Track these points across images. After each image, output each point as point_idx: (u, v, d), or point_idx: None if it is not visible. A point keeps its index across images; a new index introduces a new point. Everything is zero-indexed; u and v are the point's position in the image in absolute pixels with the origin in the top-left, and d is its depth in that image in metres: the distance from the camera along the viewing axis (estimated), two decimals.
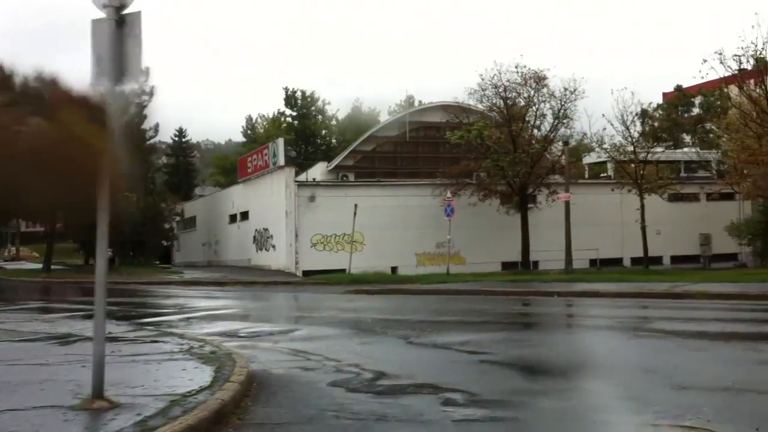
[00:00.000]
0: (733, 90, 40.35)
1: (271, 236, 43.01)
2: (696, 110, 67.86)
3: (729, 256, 45.95)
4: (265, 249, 43.75)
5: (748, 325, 12.48)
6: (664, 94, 78.35)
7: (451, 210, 31.96)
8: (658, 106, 68.84)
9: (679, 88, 69.73)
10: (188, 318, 15.97)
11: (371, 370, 8.56)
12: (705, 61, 37.13)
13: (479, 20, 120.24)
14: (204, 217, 56.22)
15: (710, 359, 9.19)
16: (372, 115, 72.99)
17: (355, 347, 10.93)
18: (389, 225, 40.94)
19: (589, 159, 50.29)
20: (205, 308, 18.51)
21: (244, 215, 47.05)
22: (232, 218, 49.08)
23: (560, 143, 35.19)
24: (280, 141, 43.17)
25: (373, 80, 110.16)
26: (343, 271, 38.05)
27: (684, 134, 65.65)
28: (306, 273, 39.32)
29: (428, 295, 22.20)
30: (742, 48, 36.16)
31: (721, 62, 36.72)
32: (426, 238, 42.39)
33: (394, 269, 41.77)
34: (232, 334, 12.44)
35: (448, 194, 33.52)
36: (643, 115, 48.70)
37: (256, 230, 45.03)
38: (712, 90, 56.30)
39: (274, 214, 41.68)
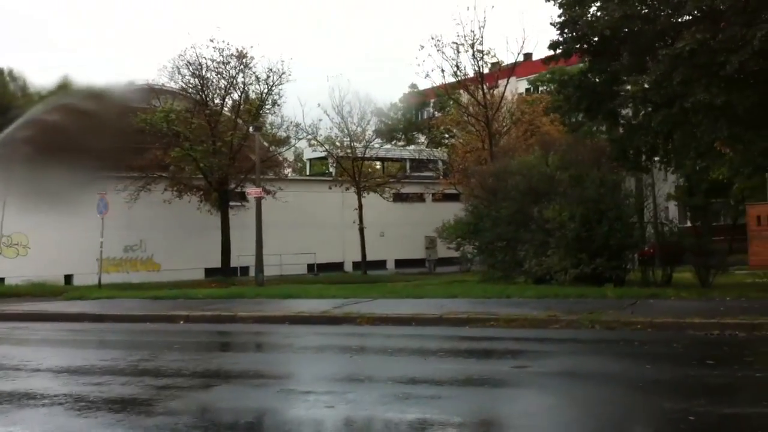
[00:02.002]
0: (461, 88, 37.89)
1: None
2: (431, 110, 66.75)
3: (456, 260, 43.57)
4: None
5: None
6: (405, 95, 77.03)
7: (104, 206, 25.53)
8: (392, 105, 66.91)
9: (413, 87, 68.19)
10: None
11: None
12: (422, 47, 34.17)
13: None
14: None
15: None
16: None
17: None
18: (64, 225, 33.53)
19: (310, 154, 46.08)
20: None
21: None
22: None
23: (251, 129, 29.84)
24: None
25: (91, 61, 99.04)
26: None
27: (418, 133, 64.06)
28: None
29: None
30: (461, 35, 33.54)
31: (439, 49, 33.77)
32: (111, 241, 35.48)
33: (69, 278, 34.61)
34: None
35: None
36: (378, 113, 45.49)
37: None
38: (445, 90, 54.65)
39: None
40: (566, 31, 19.03)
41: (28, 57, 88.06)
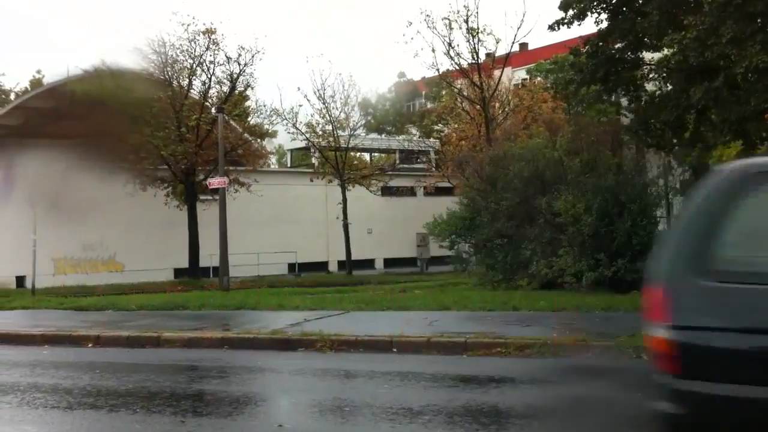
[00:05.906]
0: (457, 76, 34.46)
1: None
2: (423, 100, 63.34)
3: (450, 259, 40.17)
4: None
5: None
6: (394, 84, 73.50)
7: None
8: (380, 96, 63.35)
9: (402, 75, 64.65)
10: None
11: None
12: (410, 23, 30.80)
13: None
14: None
15: None
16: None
17: None
18: (11, 222, 29.91)
19: (291, 144, 42.58)
20: None
21: None
22: None
23: (213, 110, 26.37)
24: None
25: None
26: None
27: (410, 125, 60.58)
28: None
29: None
30: (453, 11, 30.19)
31: (429, 25, 30.37)
32: (68, 239, 32.18)
33: (21, 279, 31.09)
34: None
35: None
36: (365, 105, 42.07)
37: None
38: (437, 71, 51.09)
39: None
40: None
41: (28, 57, 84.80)
